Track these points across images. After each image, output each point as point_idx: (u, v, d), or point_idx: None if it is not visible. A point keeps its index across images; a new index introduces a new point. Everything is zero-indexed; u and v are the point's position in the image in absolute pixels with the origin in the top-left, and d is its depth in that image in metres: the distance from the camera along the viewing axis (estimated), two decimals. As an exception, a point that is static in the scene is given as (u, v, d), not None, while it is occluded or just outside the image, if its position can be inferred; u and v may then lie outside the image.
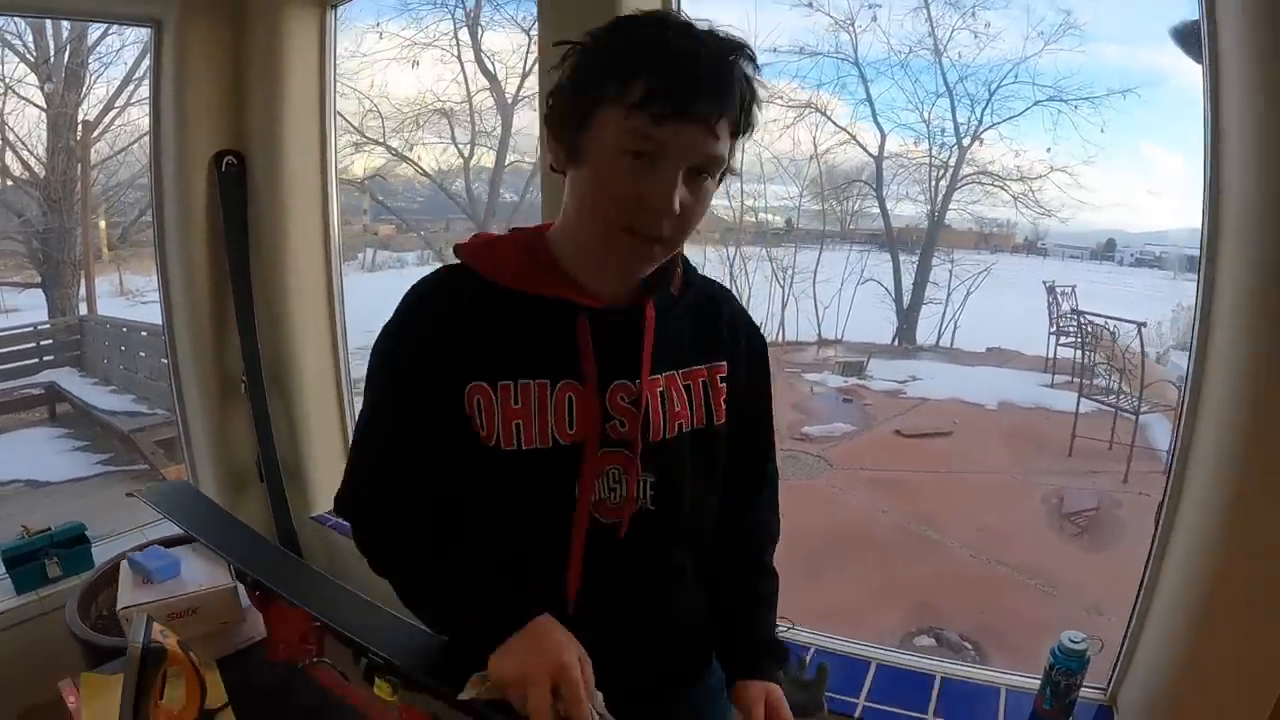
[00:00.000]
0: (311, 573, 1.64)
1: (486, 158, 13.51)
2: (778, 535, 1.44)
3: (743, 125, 1.04)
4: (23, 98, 13.41)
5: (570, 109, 1.04)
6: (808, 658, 2.22)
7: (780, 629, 1.53)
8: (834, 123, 12.54)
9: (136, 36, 13.78)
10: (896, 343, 12.92)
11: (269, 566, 1.49)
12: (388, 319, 1.14)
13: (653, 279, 1.16)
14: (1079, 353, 9.66)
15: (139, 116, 14.44)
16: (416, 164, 13.03)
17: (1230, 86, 1.58)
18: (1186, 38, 1.64)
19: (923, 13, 11.54)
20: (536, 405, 1.09)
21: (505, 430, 1.09)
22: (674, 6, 2.14)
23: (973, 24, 11.15)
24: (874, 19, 11.70)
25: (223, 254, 3.12)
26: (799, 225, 13.89)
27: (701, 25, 1.01)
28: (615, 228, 1.04)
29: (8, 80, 13.13)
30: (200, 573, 1.63)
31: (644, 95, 0.96)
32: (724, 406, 1.22)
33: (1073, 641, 2.06)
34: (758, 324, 1.31)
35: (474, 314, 1.11)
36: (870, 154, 12.75)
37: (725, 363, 1.22)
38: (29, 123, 13.73)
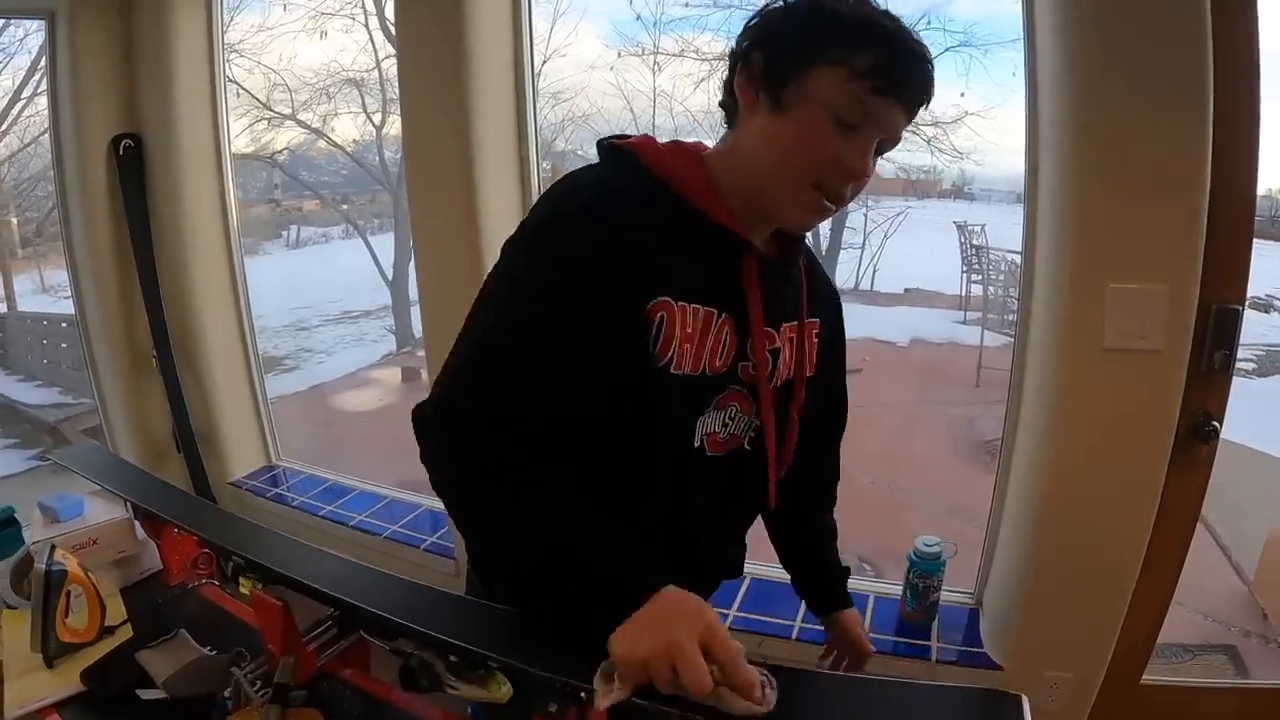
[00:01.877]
0: (197, 503, 1.79)
1: (398, 125, 13.38)
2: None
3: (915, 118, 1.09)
4: (-81, 94, 13.15)
5: (784, 59, 1.04)
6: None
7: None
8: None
9: (40, 26, 13.51)
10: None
11: (160, 499, 1.61)
12: (547, 211, 1.05)
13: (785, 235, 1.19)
14: (986, 288, 9.73)
15: (45, 107, 14.16)
16: (329, 137, 12.91)
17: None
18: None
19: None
20: (700, 332, 1.07)
21: (679, 350, 1.05)
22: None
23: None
24: None
25: (126, 234, 3.20)
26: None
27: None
28: (806, 182, 1.05)
29: (-99, 76, 12.88)
30: (101, 512, 1.74)
31: (871, 66, 1.00)
32: (815, 360, 1.27)
33: (926, 545, 2.24)
34: None
35: (666, 225, 1.06)
36: None
37: (819, 319, 1.27)
38: (-72, 120, 13.47)
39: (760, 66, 1.05)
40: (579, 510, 0.96)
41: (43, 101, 12.93)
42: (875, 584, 2.48)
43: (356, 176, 14.02)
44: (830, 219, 1.37)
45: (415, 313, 13.72)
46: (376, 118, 13.26)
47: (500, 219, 2.36)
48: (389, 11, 12.34)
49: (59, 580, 1.40)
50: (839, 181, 1.05)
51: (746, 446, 1.20)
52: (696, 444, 1.13)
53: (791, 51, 1.03)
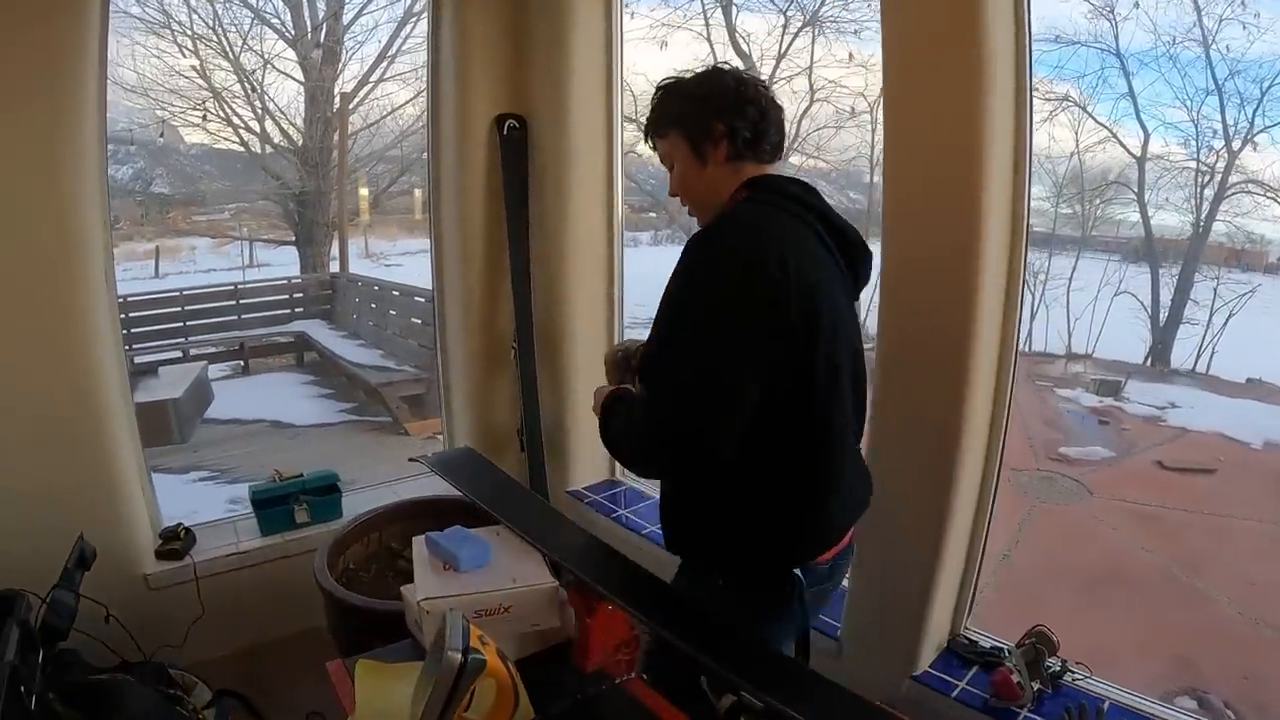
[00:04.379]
0: (641, 574, 1.44)
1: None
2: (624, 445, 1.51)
3: (655, 131, 1.61)
4: (281, 71, 14.45)
5: None
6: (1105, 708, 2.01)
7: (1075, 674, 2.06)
8: (1094, 118, 11.40)
9: (391, 16, 14.60)
10: (1149, 363, 11.78)
11: (597, 565, 1.33)
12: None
13: None
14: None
15: (392, 91, 15.31)
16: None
17: None
18: None
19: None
20: None
21: None
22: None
23: (1241, 14, 9.76)
24: (1136, 5, 10.30)
25: (499, 216, 3.09)
26: (1054, 229, 12.88)
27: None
28: None
29: (267, 55, 14.18)
30: (511, 563, 1.45)
31: None
32: None
33: None
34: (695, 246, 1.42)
35: None
36: (1132, 154, 11.56)
37: None
38: (288, 95, 14.78)
39: None
40: None
41: (387, 86, 14.07)
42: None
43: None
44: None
45: None
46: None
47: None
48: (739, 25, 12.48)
49: (474, 673, 1.08)
50: None
51: None
52: None
53: None
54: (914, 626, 2.15)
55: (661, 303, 1.42)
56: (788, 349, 1.37)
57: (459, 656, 1.05)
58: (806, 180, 1.54)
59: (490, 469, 1.90)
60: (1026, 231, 1.93)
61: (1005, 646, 2.19)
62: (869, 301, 2.17)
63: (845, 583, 2.27)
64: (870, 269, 1.63)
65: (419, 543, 1.50)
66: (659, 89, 1.60)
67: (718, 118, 1.52)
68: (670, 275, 1.41)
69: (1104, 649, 4.75)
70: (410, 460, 1.76)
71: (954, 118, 1.83)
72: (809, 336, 1.38)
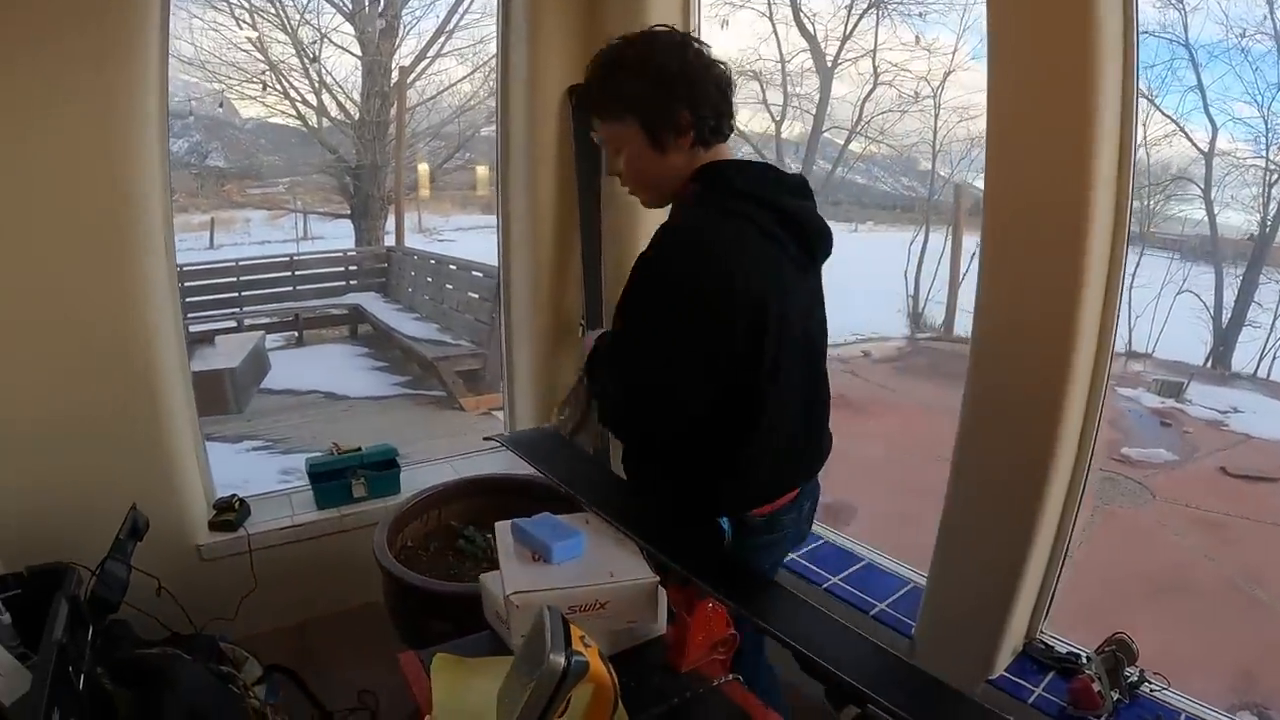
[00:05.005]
0: (740, 567, 1.35)
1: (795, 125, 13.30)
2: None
3: (610, 113, 1.52)
4: (338, 45, 14.54)
5: None
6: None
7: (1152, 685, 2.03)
8: (1161, 111, 10.94)
9: None
10: (1210, 365, 11.48)
11: (695, 557, 1.24)
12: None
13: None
14: None
15: (449, 67, 15.39)
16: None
17: None
18: None
19: (1261, -11, 9.75)
20: None
21: None
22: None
23: (1314, 5, 9.40)
24: None
25: (569, 189, 2.99)
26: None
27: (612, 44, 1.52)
28: None
29: (325, 29, 14.25)
30: (606, 555, 1.36)
31: None
32: None
33: None
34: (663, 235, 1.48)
35: None
36: (1199, 149, 11.19)
37: None
38: (345, 68, 14.88)
39: None
40: None
41: (444, 62, 14.13)
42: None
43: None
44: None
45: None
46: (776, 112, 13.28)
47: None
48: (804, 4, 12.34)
49: (577, 677, 0.97)
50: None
51: None
52: None
53: None
54: (993, 628, 2.07)
55: (617, 312, 1.55)
56: (732, 359, 1.48)
57: (562, 660, 0.96)
58: (770, 162, 1.66)
59: (571, 451, 1.82)
60: (1128, 230, 1.84)
61: (1083, 653, 2.11)
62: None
63: (923, 580, 2.20)
64: (830, 247, 1.68)
65: (503, 529, 1.39)
66: (602, 64, 1.51)
67: (682, 105, 1.49)
68: (625, 288, 1.50)
69: (1166, 658, 4.61)
70: (485, 439, 1.69)
71: (1063, 114, 1.73)
72: (754, 343, 1.48)
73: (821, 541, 2.72)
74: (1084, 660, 2.07)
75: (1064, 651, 2.13)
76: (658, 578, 1.29)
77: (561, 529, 1.37)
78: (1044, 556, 2.03)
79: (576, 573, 1.30)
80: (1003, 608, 2.03)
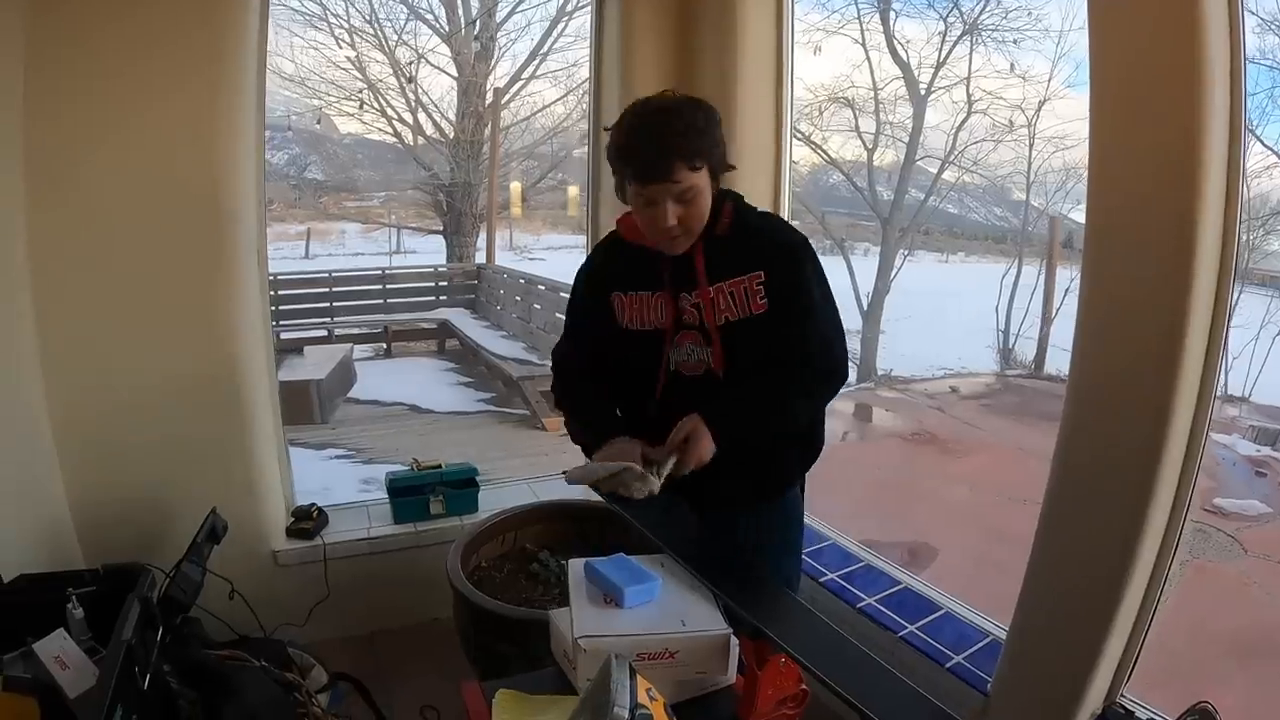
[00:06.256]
0: (817, 622, 1.30)
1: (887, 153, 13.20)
2: (800, 407, 1.76)
3: (694, 162, 1.56)
4: (435, 66, 14.91)
5: (615, 176, 1.65)
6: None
7: None
8: (1261, 141, 10.58)
9: (543, 15, 14.92)
10: (1310, 411, 10.87)
11: (769, 610, 1.20)
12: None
13: (704, 231, 1.66)
14: None
15: (542, 89, 15.67)
16: (824, 152, 12.94)
17: None
18: None
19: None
20: (643, 306, 1.74)
21: (630, 319, 1.75)
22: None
23: None
24: None
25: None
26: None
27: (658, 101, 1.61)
28: (652, 238, 1.66)
29: (421, 50, 14.60)
30: (679, 602, 1.32)
31: (632, 176, 1.58)
32: (761, 301, 1.66)
33: None
34: (802, 239, 1.74)
35: (615, 258, 1.80)
36: None
37: (762, 271, 1.66)
38: (441, 88, 15.23)
39: (616, 177, 1.66)
40: (586, 400, 1.86)
41: (537, 84, 14.39)
42: None
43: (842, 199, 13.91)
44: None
45: (881, 343, 13.39)
46: (869, 140, 13.17)
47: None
48: (898, 31, 12.24)
49: None
50: (661, 235, 1.63)
51: (713, 366, 1.71)
52: (672, 368, 1.74)
53: (615, 174, 1.65)
54: (1074, 689, 1.93)
55: (796, 296, 1.69)
56: None
57: (626, 715, 0.92)
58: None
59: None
60: (1235, 268, 1.74)
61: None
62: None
63: (1003, 633, 2.11)
64: None
65: (576, 567, 1.35)
66: (694, 109, 1.60)
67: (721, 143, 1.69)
68: (794, 281, 1.69)
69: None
70: (568, 480, 1.69)
71: (1169, 144, 1.64)
72: None
73: (900, 586, 2.62)
74: (1164, 728, 1.95)
75: (1144, 717, 2.01)
76: (730, 630, 1.24)
77: (636, 572, 1.32)
78: (1132, 614, 1.91)
79: (648, 619, 1.25)
80: (1085, 667, 1.90)
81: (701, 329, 1.70)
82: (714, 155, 1.61)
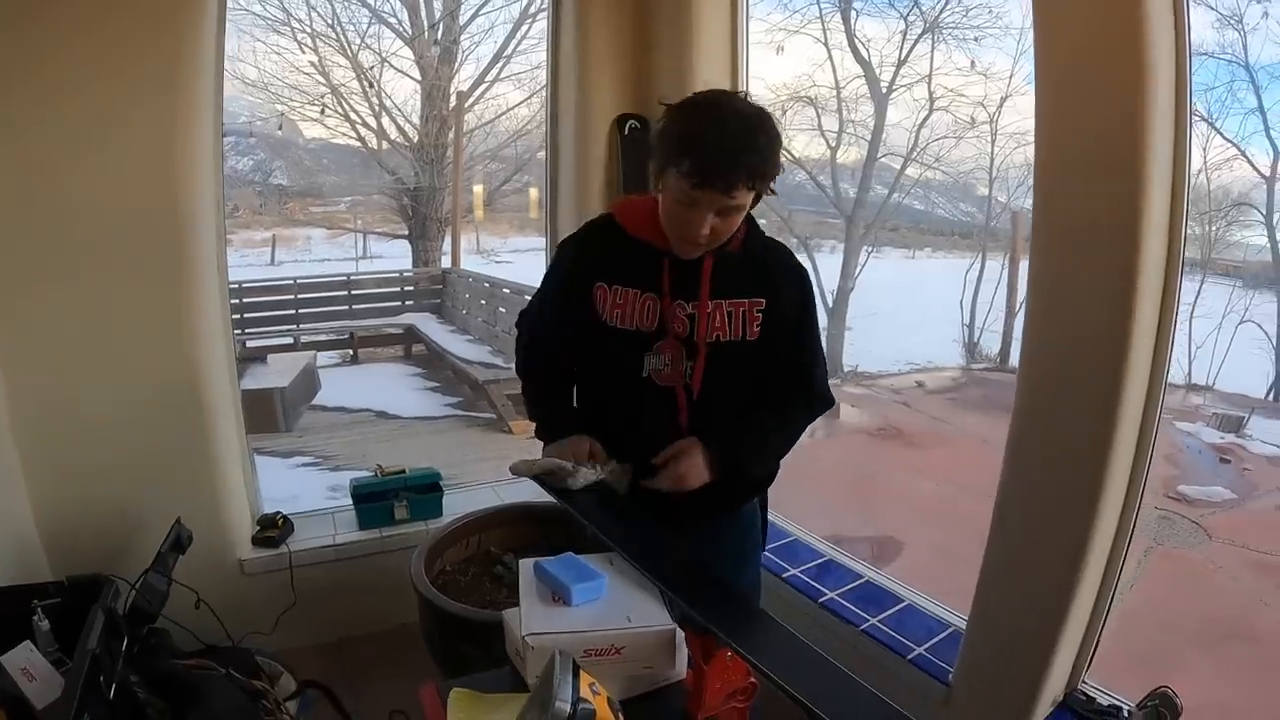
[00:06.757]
0: (767, 621, 1.32)
1: (850, 151, 13.28)
2: (793, 430, 1.80)
3: (756, 183, 1.50)
4: (398, 69, 14.87)
5: (658, 157, 1.54)
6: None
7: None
8: (1222, 134, 10.79)
9: (507, 17, 14.93)
10: (1272, 398, 11.05)
11: (718, 609, 1.22)
12: (565, 239, 1.82)
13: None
14: None
15: (506, 92, 15.65)
16: (788, 150, 13.03)
17: None
18: None
19: (1319, 10, 9.44)
20: (628, 304, 1.65)
21: (610, 314, 1.66)
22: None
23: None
24: (1265, 15, 9.87)
25: (618, 218, 3.00)
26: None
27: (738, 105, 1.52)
28: (674, 234, 1.58)
29: (384, 53, 14.57)
30: (626, 599, 1.34)
31: (689, 169, 1.45)
32: (756, 329, 1.65)
33: None
34: (806, 270, 1.76)
35: (607, 246, 1.69)
36: (1261, 174, 11.02)
37: (764, 299, 1.65)
38: (404, 92, 15.19)
39: (655, 159, 1.55)
40: (547, 391, 1.83)
41: (501, 87, 14.36)
42: None
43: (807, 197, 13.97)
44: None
45: (848, 339, 13.47)
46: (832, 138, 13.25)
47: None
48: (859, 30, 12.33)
49: None
50: (690, 239, 1.55)
51: (691, 383, 1.66)
52: (645, 374, 1.66)
53: (659, 155, 1.54)
54: (1034, 676, 1.97)
55: (801, 325, 1.73)
56: None
57: (568, 708, 0.96)
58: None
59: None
60: (1182, 258, 1.78)
61: (1125, 706, 1.99)
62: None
63: (964, 624, 2.15)
64: None
65: (526, 567, 1.38)
66: (772, 128, 1.51)
67: None
68: (799, 312, 1.72)
69: (1220, 709, 4.47)
70: (512, 470, 1.72)
71: (1114, 134, 1.67)
72: None
73: (863, 580, 2.66)
74: (1125, 714, 1.96)
75: (1105, 704, 2.04)
76: (675, 625, 1.27)
77: (584, 570, 1.35)
78: (1089, 601, 1.95)
79: (594, 616, 1.28)
80: (1044, 655, 1.94)
81: (688, 342, 1.64)
82: (772, 180, 1.54)
